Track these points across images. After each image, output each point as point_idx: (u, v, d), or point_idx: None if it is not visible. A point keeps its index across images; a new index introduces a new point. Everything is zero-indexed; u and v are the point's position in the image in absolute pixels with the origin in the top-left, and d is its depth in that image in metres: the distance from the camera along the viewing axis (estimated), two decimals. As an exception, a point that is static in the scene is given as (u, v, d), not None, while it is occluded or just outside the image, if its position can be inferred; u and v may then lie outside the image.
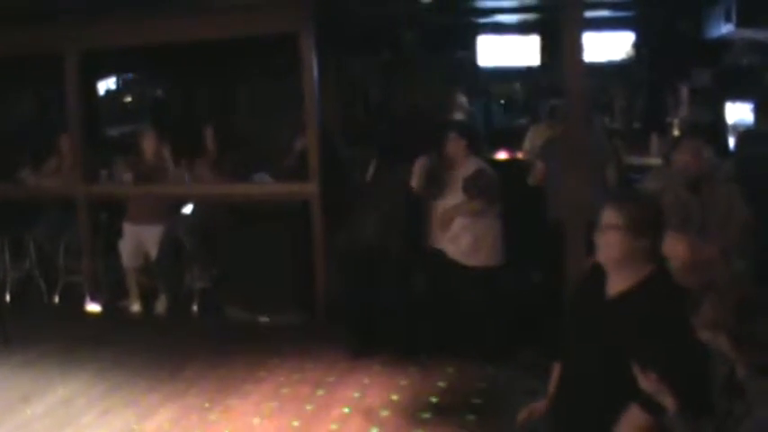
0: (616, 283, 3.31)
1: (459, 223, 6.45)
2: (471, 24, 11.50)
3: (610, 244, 3.26)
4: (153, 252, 8.14)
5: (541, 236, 6.88)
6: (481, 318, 6.42)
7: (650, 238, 3.25)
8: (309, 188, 7.49)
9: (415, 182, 6.58)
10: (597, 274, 3.41)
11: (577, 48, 5.92)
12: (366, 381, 6.06)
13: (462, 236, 6.46)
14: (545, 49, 11.31)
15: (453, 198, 6.48)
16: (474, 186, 6.41)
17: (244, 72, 11.08)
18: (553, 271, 6.38)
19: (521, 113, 11.38)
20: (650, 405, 3.06)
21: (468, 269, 6.46)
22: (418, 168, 6.58)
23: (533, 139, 8.81)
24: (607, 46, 11.05)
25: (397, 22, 10.53)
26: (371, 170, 6.82)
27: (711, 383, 3.14)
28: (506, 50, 11.68)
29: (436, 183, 6.54)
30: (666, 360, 3.04)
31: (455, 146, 6.55)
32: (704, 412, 3.00)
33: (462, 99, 9.75)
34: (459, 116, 9.75)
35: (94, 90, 12.13)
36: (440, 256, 6.56)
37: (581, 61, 5.98)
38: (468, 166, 6.51)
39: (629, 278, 3.26)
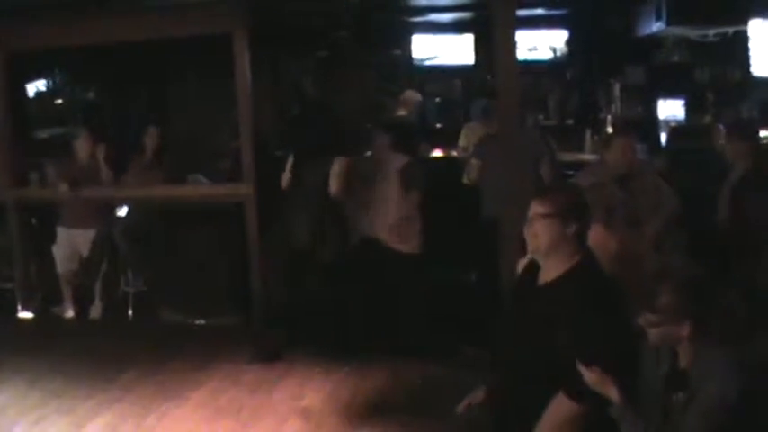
0: (546, 272, 3.37)
1: (395, 213, 6.58)
2: (406, 23, 11.54)
3: (538, 233, 3.32)
4: (87, 256, 8.03)
5: (477, 234, 6.94)
6: (415, 309, 6.50)
7: (577, 224, 3.31)
8: (244, 189, 7.43)
9: (332, 184, 6.83)
10: (533, 268, 3.46)
11: (510, 46, 5.96)
12: (303, 382, 6.02)
13: (401, 224, 6.61)
14: (479, 48, 11.40)
15: (386, 191, 6.59)
16: (411, 177, 6.62)
17: (178, 72, 10.97)
18: (489, 268, 6.44)
19: (456, 112, 11.44)
20: (577, 393, 3.11)
21: (404, 256, 6.64)
22: (337, 168, 6.70)
23: (468, 137, 8.87)
24: (540, 44, 11.18)
25: (332, 20, 10.51)
26: (288, 169, 6.91)
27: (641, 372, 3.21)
28: (441, 49, 11.76)
29: (361, 180, 6.73)
30: (600, 348, 3.09)
31: (380, 142, 6.80)
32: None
33: (412, 95, 9.72)
34: (403, 112, 9.79)
35: (24, 92, 11.92)
36: (375, 244, 6.69)
37: (514, 59, 6.02)
38: (397, 160, 6.65)
39: (559, 266, 3.32)
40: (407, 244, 6.65)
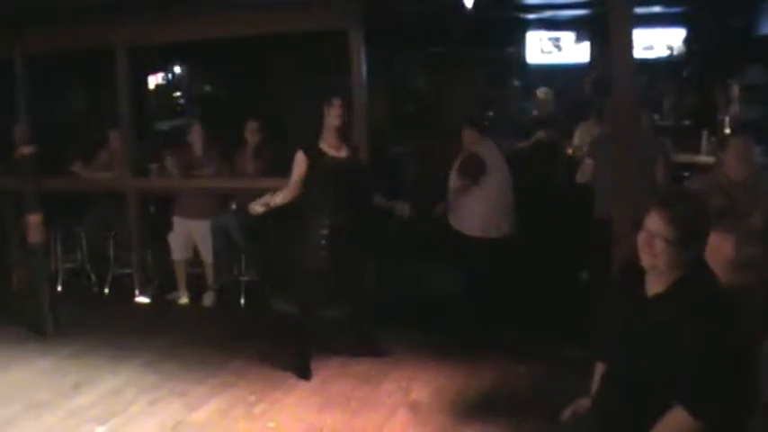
0: (655, 283, 3.26)
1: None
2: (520, 20, 11.45)
3: (656, 253, 3.16)
4: (201, 245, 8.25)
5: (588, 234, 6.86)
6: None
7: (697, 248, 3.20)
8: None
9: (453, 177, 7.15)
10: (634, 271, 3.35)
11: (626, 44, 5.86)
12: (411, 376, 6.08)
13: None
14: (595, 46, 11.24)
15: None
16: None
17: (290, 68, 11.14)
18: (600, 269, 6.35)
19: (571, 110, 11.32)
20: (698, 409, 3.04)
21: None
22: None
23: (581, 136, 8.76)
24: (657, 42, 10.95)
25: (446, 17, 10.50)
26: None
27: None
28: (555, 47, 11.63)
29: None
30: (712, 360, 3.02)
31: (468, 135, 7.14)
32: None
33: (546, 92, 9.67)
34: (535, 112, 9.82)
35: (145, 85, 12.29)
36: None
37: (630, 58, 5.92)
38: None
39: (670, 277, 3.22)
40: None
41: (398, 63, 11.33)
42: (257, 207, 6.39)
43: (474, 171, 7.03)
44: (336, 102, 6.18)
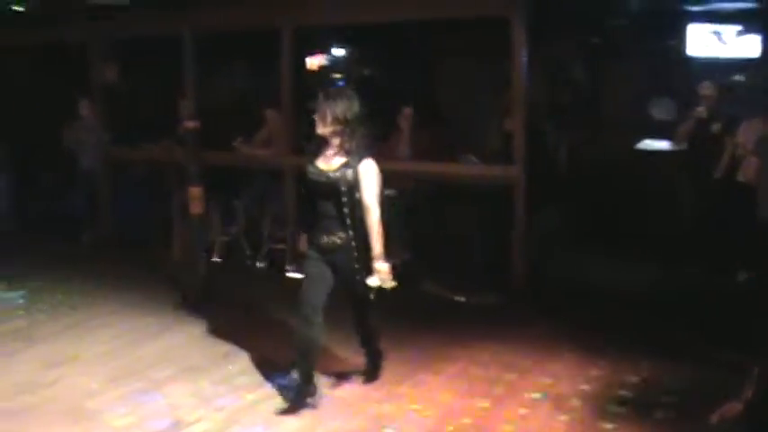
0: None
1: None
2: (682, 12, 11.07)
3: None
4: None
5: (750, 234, 6.62)
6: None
7: None
8: (513, 172, 7.47)
9: None
10: None
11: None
12: (558, 368, 6.02)
13: None
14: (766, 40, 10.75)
15: None
16: None
17: (450, 54, 11.13)
18: (762, 271, 6.14)
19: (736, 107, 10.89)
20: None
21: None
22: None
23: (746, 134, 8.43)
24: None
25: (607, 7, 10.28)
26: None
27: None
28: (718, 40, 11.19)
29: None
30: None
31: None
32: None
33: (710, 87, 9.35)
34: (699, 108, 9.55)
35: (304, 65, 12.53)
36: None
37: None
38: None
39: None
40: None
41: (557, 52, 11.16)
42: None
43: None
44: None
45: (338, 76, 13.14)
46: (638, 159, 9.44)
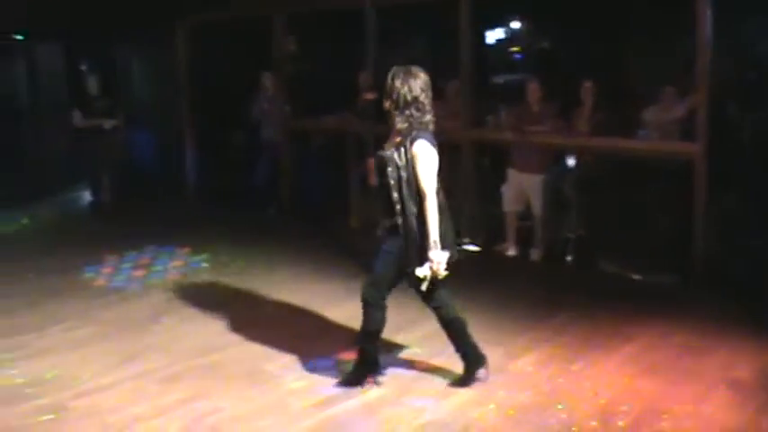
0: None
1: None
2: None
3: None
4: (533, 200, 8.31)
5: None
6: None
7: None
8: (694, 148, 7.20)
9: None
10: None
11: None
12: (735, 352, 5.78)
13: None
14: None
15: None
16: None
17: (634, 27, 10.81)
18: None
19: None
20: None
21: None
22: None
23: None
24: None
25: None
26: None
27: None
28: None
29: None
30: None
31: None
32: None
33: None
34: None
35: (483, 38, 12.47)
36: None
37: None
38: None
39: None
40: None
41: (744, 28, 10.64)
42: None
43: None
44: None
45: (516, 49, 13.04)
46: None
